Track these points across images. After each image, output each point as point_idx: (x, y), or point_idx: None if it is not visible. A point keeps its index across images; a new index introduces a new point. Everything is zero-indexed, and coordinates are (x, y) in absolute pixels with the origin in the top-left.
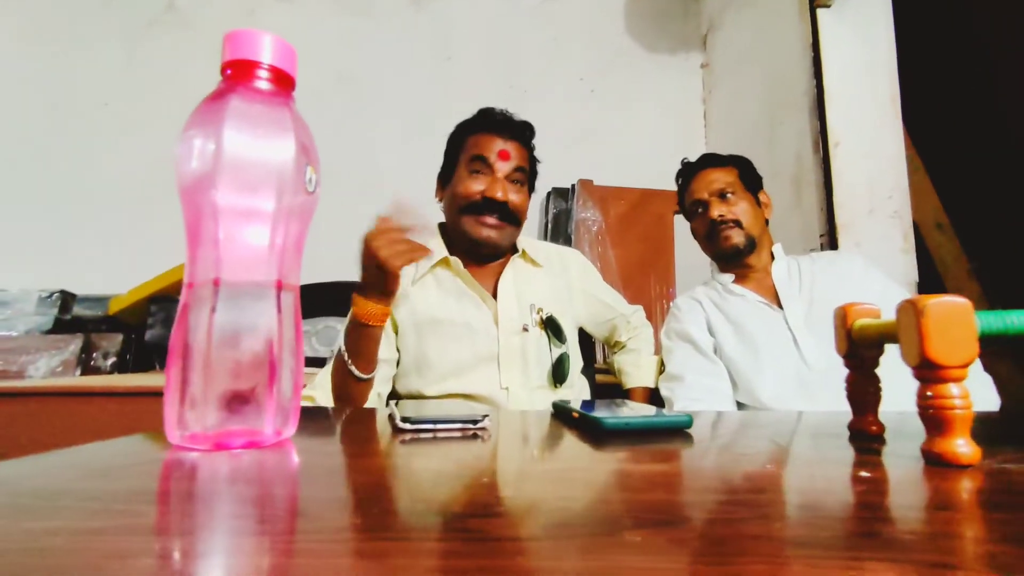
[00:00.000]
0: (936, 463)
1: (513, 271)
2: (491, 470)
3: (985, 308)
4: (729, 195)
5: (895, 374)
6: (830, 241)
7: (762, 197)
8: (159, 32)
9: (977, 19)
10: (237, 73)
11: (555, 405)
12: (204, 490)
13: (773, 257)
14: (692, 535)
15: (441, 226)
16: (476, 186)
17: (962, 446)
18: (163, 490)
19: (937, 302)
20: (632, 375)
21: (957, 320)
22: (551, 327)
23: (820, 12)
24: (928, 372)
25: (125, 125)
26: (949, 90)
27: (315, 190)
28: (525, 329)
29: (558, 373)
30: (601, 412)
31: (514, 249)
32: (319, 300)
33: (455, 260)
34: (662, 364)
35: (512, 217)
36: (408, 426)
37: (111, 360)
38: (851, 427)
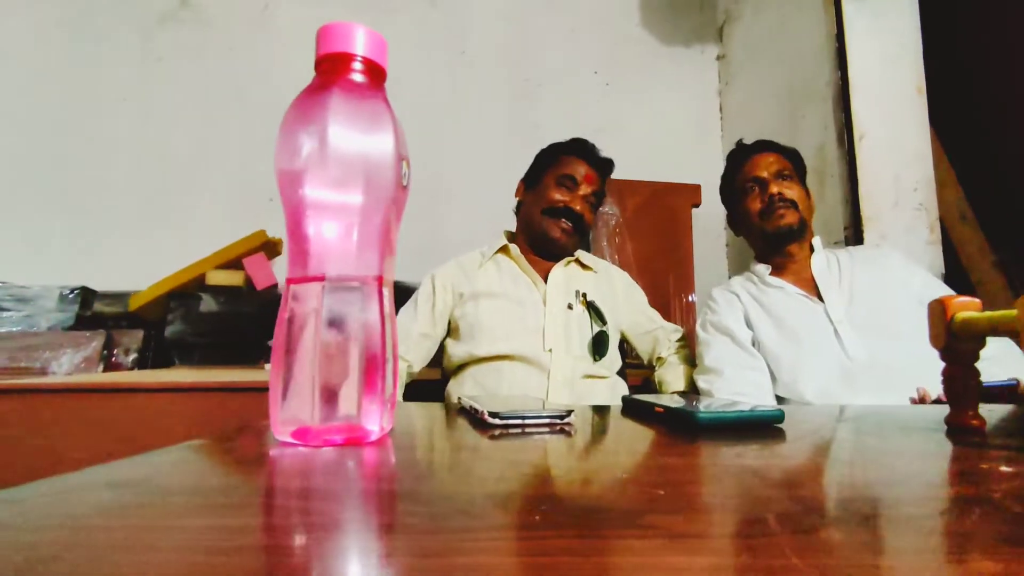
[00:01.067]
0: None
1: (565, 270)
2: (622, 466)
3: (1010, 301)
4: (787, 177)
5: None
6: (854, 234)
7: (809, 191)
8: (174, 27)
9: (1003, 7)
10: (333, 67)
11: (626, 399)
12: (343, 487)
13: (812, 250)
14: (887, 532)
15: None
16: (562, 196)
17: None
18: (303, 487)
19: None
20: (674, 385)
21: None
22: (593, 308)
23: (845, 2)
24: None
25: (143, 121)
26: (972, 80)
27: (408, 184)
28: (570, 307)
29: (598, 346)
30: (687, 406)
31: (570, 256)
32: None
33: (514, 247)
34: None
35: (582, 229)
36: (497, 421)
37: (132, 356)
38: (949, 421)
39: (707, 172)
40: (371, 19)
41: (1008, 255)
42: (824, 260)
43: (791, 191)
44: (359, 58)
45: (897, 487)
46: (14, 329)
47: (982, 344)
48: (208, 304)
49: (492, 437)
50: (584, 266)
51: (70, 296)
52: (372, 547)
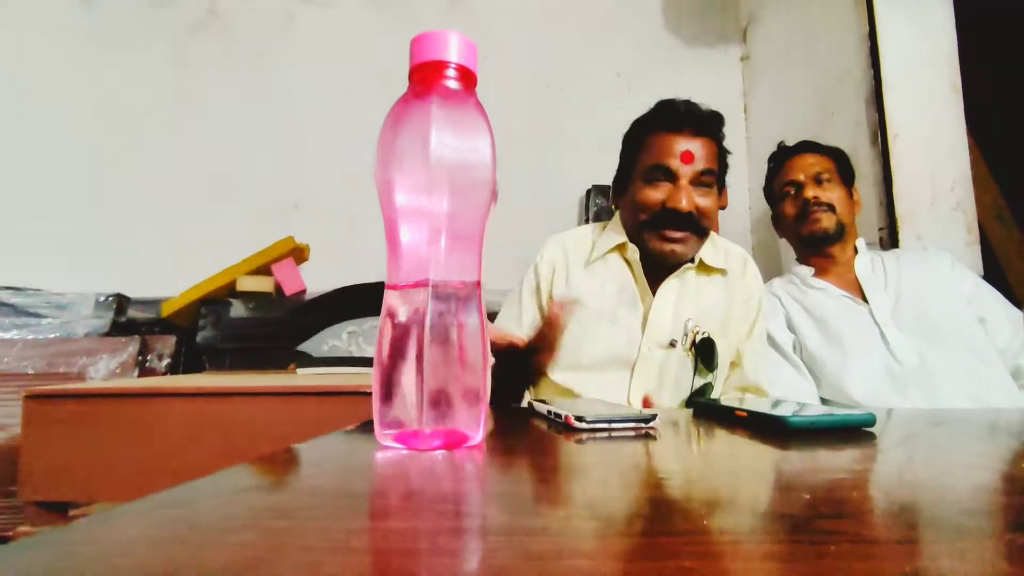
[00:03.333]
0: None
1: (682, 280)
2: (726, 469)
3: None
4: (825, 180)
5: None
6: (890, 235)
7: (855, 193)
8: (202, 37)
9: None
10: (428, 75)
11: (697, 403)
12: (464, 490)
13: (856, 252)
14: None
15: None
16: (656, 195)
17: None
18: (415, 489)
19: None
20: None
21: None
22: (702, 351)
23: (877, 1)
24: None
25: (173, 130)
26: (1007, 78)
27: (497, 190)
28: (672, 344)
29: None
30: (771, 410)
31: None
32: (364, 300)
33: (632, 248)
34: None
35: (699, 227)
36: (584, 425)
37: (165, 362)
38: None
39: (732, 174)
40: (395, 27)
41: None
42: (869, 262)
43: (829, 194)
44: (453, 65)
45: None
46: (52, 335)
47: None
48: (238, 310)
49: (579, 441)
50: (707, 270)
51: (105, 303)
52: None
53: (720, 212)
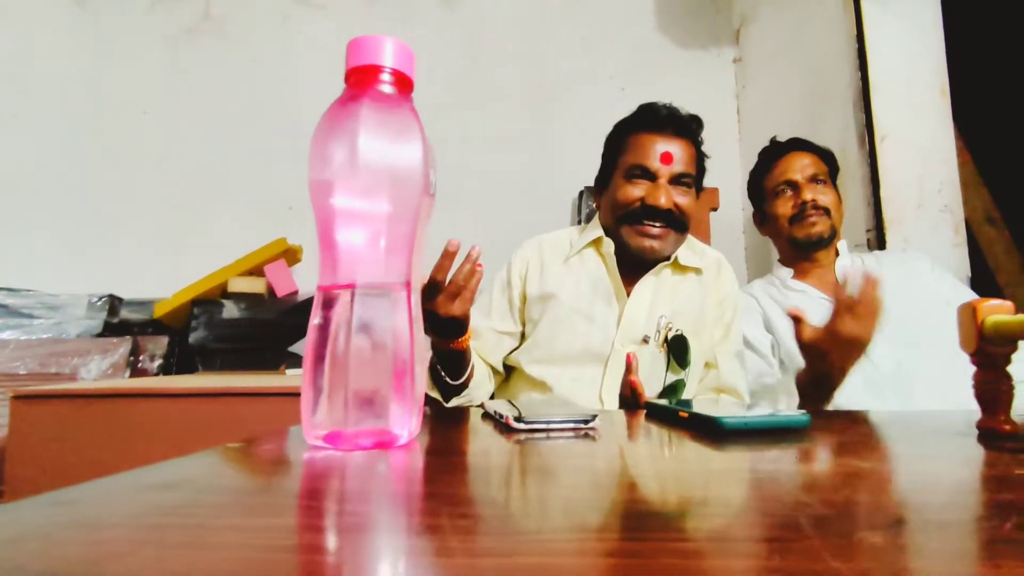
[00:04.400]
0: None
1: (658, 279)
2: (654, 472)
3: None
4: (821, 182)
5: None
6: (877, 237)
7: (840, 195)
8: (197, 40)
9: None
10: (362, 79)
11: (649, 405)
12: (383, 489)
13: (838, 254)
14: (925, 537)
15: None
16: (636, 192)
17: None
18: (334, 488)
19: None
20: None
21: None
22: (675, 348)
23: (865, 2)
24: None
25: (167, 132)
26: (997, 80)
27: (435, 192)
28: (645, 341)
29: (668, 397)
30: (712, 411)
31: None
32: None
33: (608, 242)
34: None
35: (678, 223)
36: (522, 426)
37: (157, 362)
38: (980, 426)
39: (725, 176)
40: (388, 27)
41: None
42: (849, 265)
43: (825, 197)
44: (388, 70)
45: (927, 492)
46: (44, 336)
47: (1014, 348)
48: (230, 311)
49: (517, 442)
50: (681, 269)
51: (98, 304)
52: (409, 547)
53: (712, 213)
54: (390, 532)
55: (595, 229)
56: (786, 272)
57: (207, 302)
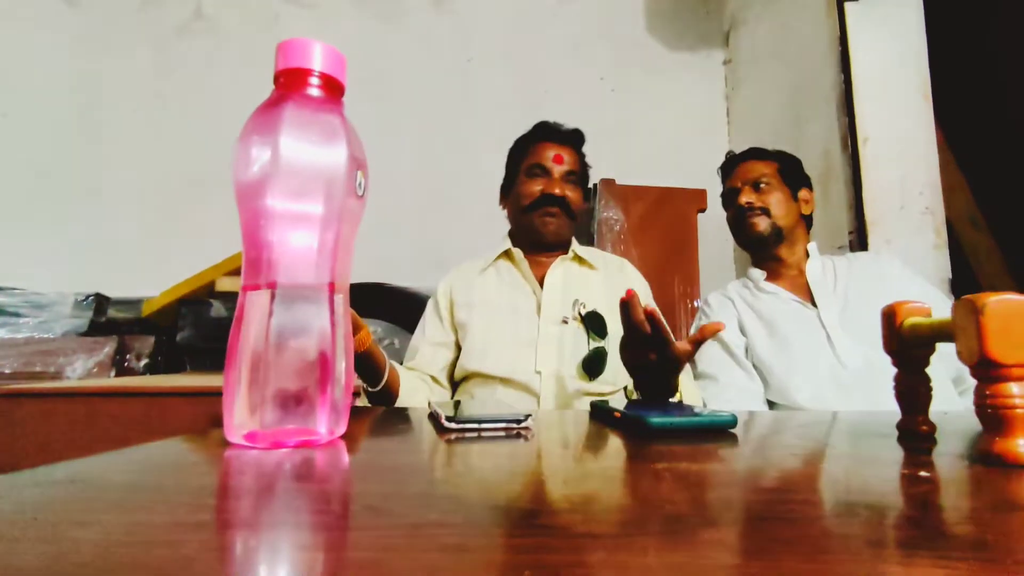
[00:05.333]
0: (995, 463)
1: (563, 268)
2: (543, 468)
3: None
4: (763, 185)
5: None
6: (859, 238)
7: (802, 194)
8: (188, 39)
9: (1010, 9)
10: (290, 81)
11: (593, 405)
12: (269, 486)
13: (808, 255)
14: (746, 534)
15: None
16: (536, 186)
17: (1023, 446)
18: (230, 486)
19: (997, 300)
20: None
21: (1017, 318)
22: (591, 321)
23: (848, 6)
24: (987, 371)
25: (157, 130)
26: (981, 83)
27: (364, 194)
28: (564, 321)
29: (591, 366)
30: (645, 412)
31: (567, 246)
32: None
33: (516, 251)
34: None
35: (570, 211)
36: (453, 425)
37: (144, 361)
38: (900, 427)
39: (714, 177)
40: (379, 28)
41: (1019, 260)
42: (820, 266)
43: (765, 197)
44: (316, 73)
45: (799, 491)
46: (30, 335)
47: (931, 350)
48: (218, 310)
49: (448, 441)
50: (584, 263)
51: (85, 302)
52: (275, 544)
53: (700, 215)
54: (246, 528)
55: (503, 244)
56: (759, 274)
57: (195, 301)
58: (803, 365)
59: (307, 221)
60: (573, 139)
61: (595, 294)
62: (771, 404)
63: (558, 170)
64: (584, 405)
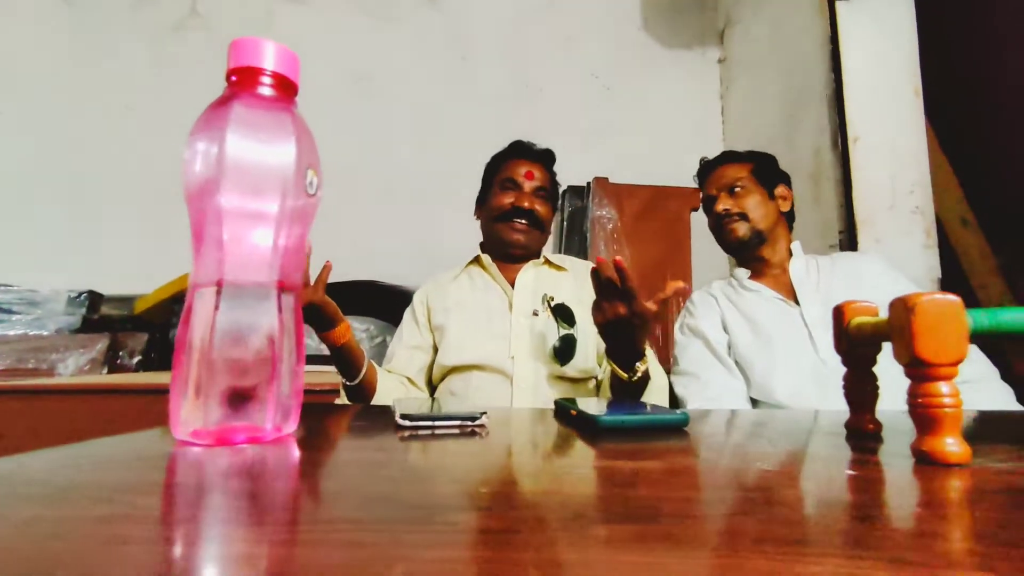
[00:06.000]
0: (926, 462)
1: (535, 271)
2: (484, 466)
3: (1011, 305)
4: (738, 189)
5: (892, 372)
6: (849, 238)
7: (779, 191)
8: (183, 36)
9: (1001, 7)
10: (241, 80)
11: (557, 403)
12: (203, 483)
13: (791, 254)
14: (671, 531)
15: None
16: (507, 199)
17: (951, 445)
18: (166, 483)
19: (928, 299)
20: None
21: (947, 318)
22: (559, 312)
23: (839, 5)
24: (918, 370)
25: (150, 127)
26: (974, 83)
27: (316, 192)
28: (535, 314)
29: (561, 352)
30: (599, 410)
31: (538, 256)
32: (333, 298)
33: (485, 257)
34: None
35: (539, 223)
36: (407, 423)
37: (136, 358)
38: (848, 425)
39: None
40: (373, 25)
41: (1009, 260)
42: (803, 265)
43: (742, 201)
44: (268, 72)
45: (723, 489)
46: (24, 331)
47: (877, 349)
48: None
49: (402, 439)
50: (555, 266)
51: (78, 299)
52: (168, 536)
53: (693, 213)
54: (150, 523)
55: (474, 253)
56: (743, 272)
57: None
58: (784, 362)
59: (255, 219)
60: (544, 158)
61: (564, 292)
62: (754, 402)
63: (529, 185)
64: (557, 390)
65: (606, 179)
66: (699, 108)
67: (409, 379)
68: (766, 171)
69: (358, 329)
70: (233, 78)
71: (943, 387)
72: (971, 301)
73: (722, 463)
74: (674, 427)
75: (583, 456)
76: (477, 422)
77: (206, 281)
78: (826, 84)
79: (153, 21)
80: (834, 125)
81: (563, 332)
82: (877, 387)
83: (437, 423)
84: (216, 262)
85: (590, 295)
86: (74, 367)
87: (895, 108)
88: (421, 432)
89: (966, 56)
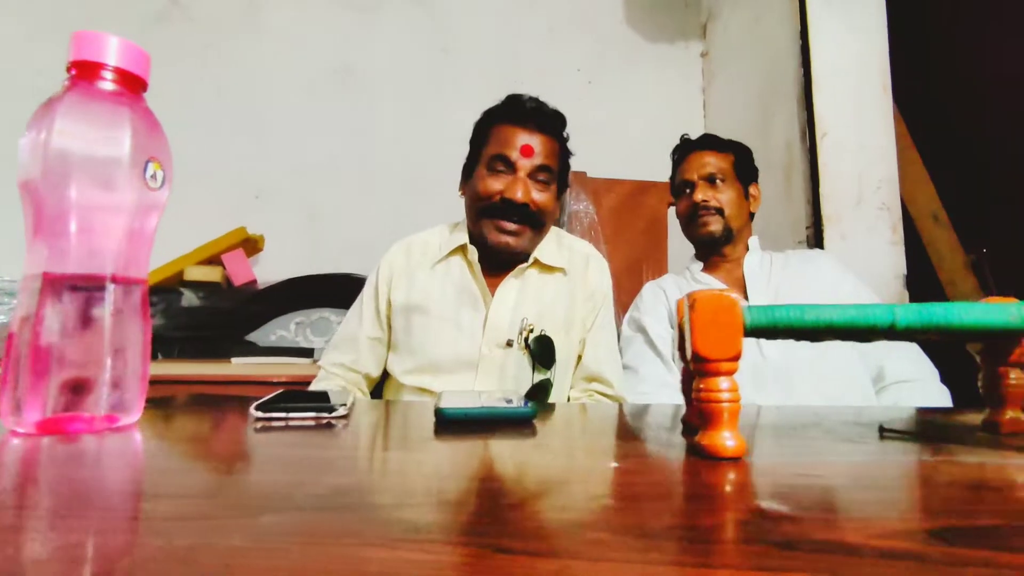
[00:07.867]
0: (702, 455)
1: (520, 280)
2: (301, 458)
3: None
4: (719, 181)
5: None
6: (815, 233)
7: (752, 190)
8: (164, 27)
9: (976, 4)
10: (80, 73)
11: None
12: (13, 473)
13: (748, 249)
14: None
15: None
16: (495, 185)
17: (728, 439)
18: None
19: (704, 296)
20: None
21: (721, 315)
22: (538, 349)
23: (810, 0)
24: (700, 365)
25: None
26: (946, 79)
27: (162, 186)
28: (509, 344)
29: (534, 398)
30: (450, 402)
31: (527, 257)
32: (313, 291)
33: (472, 249)
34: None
35: (534, 220)
36: (260, 414)
37: None
38: (684, 420)
39: None
40: (356, 17)
41: (980, 256)
42: (758, 260)
43: (720, 196)
44: (108, 67)
45: (526, 480)
46: (2, 321)
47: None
48: (188, 299)
49: (255, 431)
50: (546, 268)
51: None
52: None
53: (671, 208)
54: None
55: (462, 233)
56: (697, 266)
57: (165, 290)
58: None
59: (84, 211)
60: (552, 124)
61: (555, 305)
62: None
63: (526, 165)
64: None
65: (584, 173)
66: (682, 102)
67: (367, 377)
68: (744, 165)
69: (334, 322)
70: (72, 71)
71: (722, 382)
72: (940, 297)
73: (508, 454)
74: (522, 420)
75: (416, 450)
76: (335, 414)
77: (34, 272)
78: (797, 79)
79: (134, 12)
80: (802, 120)
81: (539, 378)
82: None
83: (291, 415)
84: (43, 253)
85: (588, 295)
86: None
87: (864, 104)
88: (275, 424)
89: (940, 52)
